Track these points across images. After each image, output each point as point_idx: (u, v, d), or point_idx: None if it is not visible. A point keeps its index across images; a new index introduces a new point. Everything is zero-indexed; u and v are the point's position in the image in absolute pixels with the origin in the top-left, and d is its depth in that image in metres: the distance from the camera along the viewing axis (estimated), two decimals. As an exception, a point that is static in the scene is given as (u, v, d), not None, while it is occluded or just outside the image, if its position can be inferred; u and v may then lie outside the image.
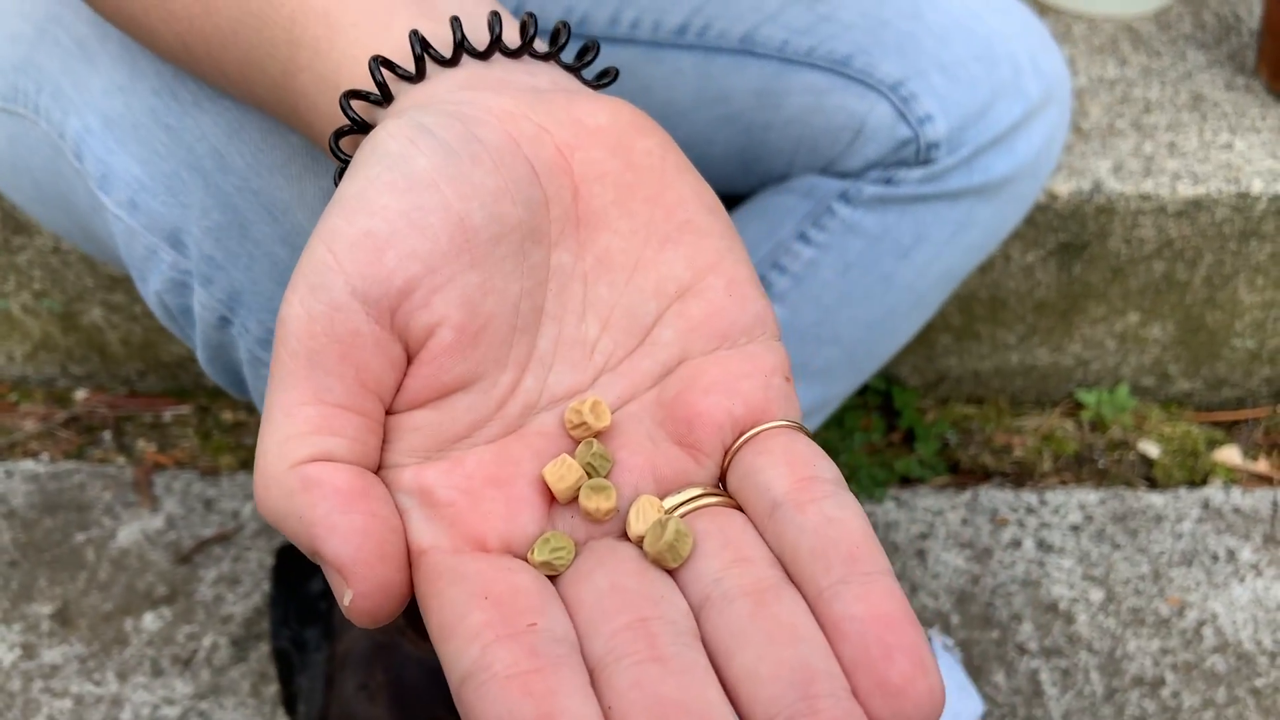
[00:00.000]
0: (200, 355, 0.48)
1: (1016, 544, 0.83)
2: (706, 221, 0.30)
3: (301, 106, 0.34)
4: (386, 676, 0.68)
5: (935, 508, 0.85)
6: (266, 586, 0.80)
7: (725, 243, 0.30)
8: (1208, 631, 0.77)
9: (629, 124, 0.30)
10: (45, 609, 0.79)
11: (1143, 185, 0.79)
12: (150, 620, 0.78)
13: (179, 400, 0.94)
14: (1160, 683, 0.75)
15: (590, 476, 0.28)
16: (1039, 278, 0.84)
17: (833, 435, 0.89)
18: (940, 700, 0.22)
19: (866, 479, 0.86)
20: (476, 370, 0.28)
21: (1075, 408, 0.92)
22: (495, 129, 0.29)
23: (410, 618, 0.71)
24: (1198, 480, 0.87)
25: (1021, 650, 0.76)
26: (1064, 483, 0.88)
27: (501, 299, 0.28)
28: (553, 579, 0.26)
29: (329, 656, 0.71)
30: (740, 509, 0.28)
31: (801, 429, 0.28)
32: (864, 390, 0.92)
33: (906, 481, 0.87)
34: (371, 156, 0.28)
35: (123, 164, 0.44)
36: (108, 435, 0.91)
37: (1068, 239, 0.81)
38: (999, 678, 0.75)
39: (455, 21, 0.31)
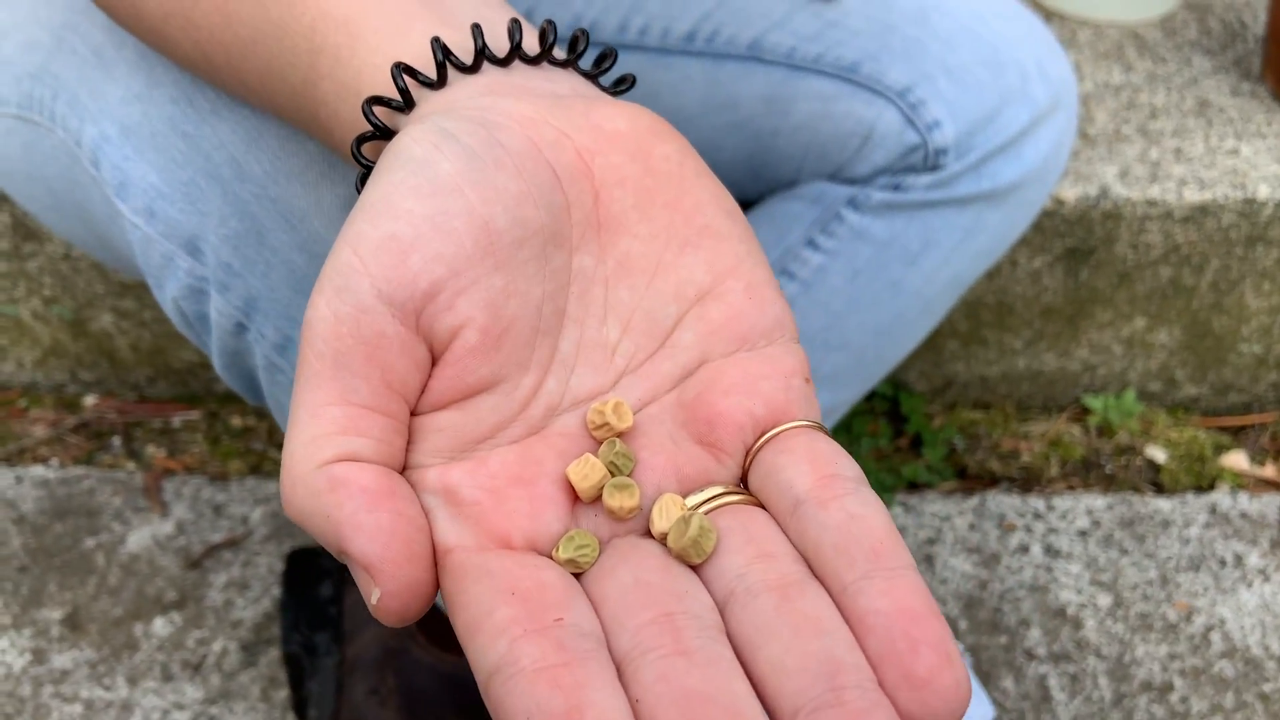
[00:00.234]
0: (216, 361, 0.48)
1: (1024, 549, 0.83)
2: (725, 226, 0.31)
3: (322, 114, 0.35)
4: (397, 681, 0.69)
5: (943, 513, 0.85)
6: (276, 591, 0.80)
7: (744, 246, 0.31)
8: (1215, 637, 0.77)
9: (648, 129, 0.31)
10: (55, 614, 0.79)
11: (1149, 191, 0.79)
12: (160, 625, 0.78)
13: (188, 406, 0.94)
14: (1168, 688, 0.75)
15: (613, 475, 0.28)
16: (1046, 283, 0.84)
17: (840, 440, 0.89)
18: (966, 693, 0.23)
19: (874, 484, 0.86)
20: (500, 372, 0.28)
21: (1082, 413, 0.92)
22: (517, 134, 0.29)
23: (420, 622, 0.71)
24: (1205, 485, 0.87)
25: (1030, 655, 0.77)
26: (1071, 488, 0.88)
27: (524, 302, 0.28)
28: (577, 576, 0.27)
29: (339, 661, 0.71)
30: (762, 507, 0.28)
31: (822, 429, 0.29)
32: (871, 396, 0.92)
33: (914, 487, 0.88)
34: (396, 161, 0.28)
35: (140, 172, 0.44)
36: (117, 441, 0.92)
37: (1074, 244, 0.82)
38: (1007, 683, 0.75)
39: (477, 29, 0.32)
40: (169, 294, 0.46)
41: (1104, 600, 0.79)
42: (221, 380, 0.94)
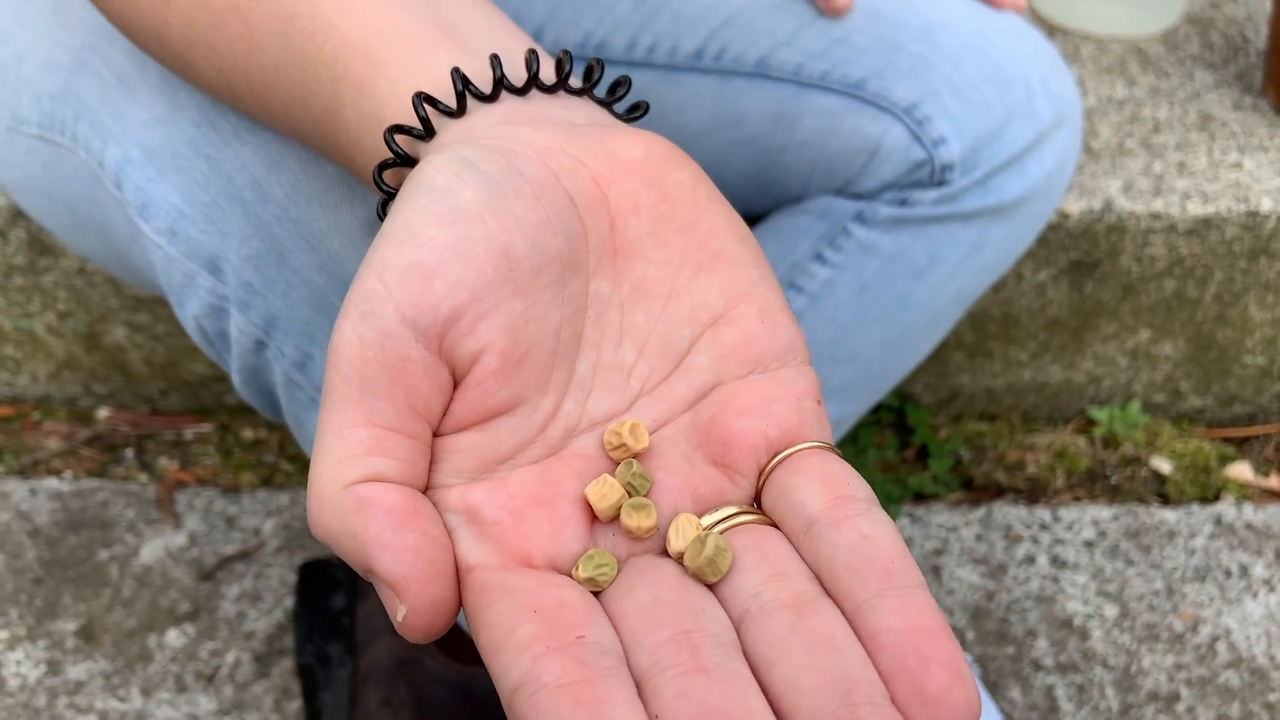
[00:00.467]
0: (236, 378, 0.49)
1: (1031, 560, 0.83)
2: (738, 251, 0.32)
3: (343, 140, 0.35)
4: (409, 692, 0.69)
5: (949, 524, 0.86)
6: (288, 603, 0.81)
7: (757, 271, 0.31)
8: (1221, 647, 0.78)
9: (662, 157, 0.32)
10: (70, 626, 0.80)
11: (1153, 204, 0.80)
12: (174, 636, 0.79)
13: (200, 418, 0.95)
14: (1175, 698, 0.75)
15: (631, 495, 0.29)
16: (1051, 296, 0.85)
17: (847, 452, 0.90)
18: (976, 710, 0.23)
19: (881, 496, 0.87)
20: (519, 395, 0.29)
21: (1087, 424, 0.93)
22: (536, 163, 0.30)
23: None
24: (1210, 496, 0.88)
25: (1037, 666, 0.77)
26: (1077, 499, 0.88)
27: (543, 326, 0.29)
28: (596, 595, 0.27)
29: (352, 672, 0.72)
30: (776, 526, 0.29)
31: (834, 449, 0.29)
32: (878, 407, 0.92)
33: (920, 498, 0.88)
34: (418, 190, 0.29)
35: (162, 193, 0.45)
36: (130, 453, 0.93)
37: (1079, 257, 0.82)
38: (1015, 693, 0.76)
39: (495, 59, 0.32)
40: (190, 312, 0.47)
41: (1110, 611, 0.80)
42: (233, 393, 0.95)
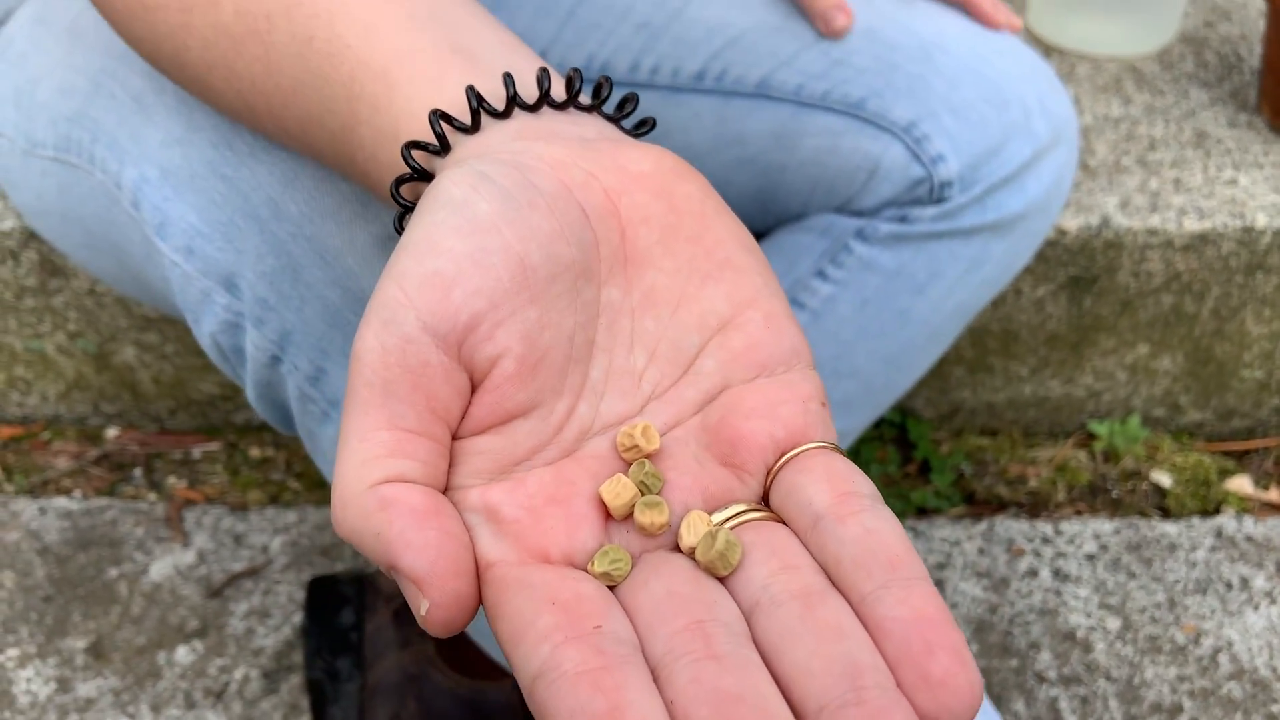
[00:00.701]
0: (250, 393, 0.50)
1: (1033, 573, 0.84)
2: (744, 260, 0.33)
3: (360, 157, 0.37)
4: (418, 706, 0.70)
5: (952, 538, 0.86)
6: (296, 619, 0.81)
7: (762, 279, 0.33)
8: (1223, 659, 0.78)
9: (670, 170, 0.33)
10: (79, 643, 0.80)
11: (1149, 220, 0.81)
12: (183, 653, 0.80)
13: (208, 437, 0.96)
14: (1178, 709, 0.76)
15: (643, 494, 0.30)
16: (1050, 311, 0.86)
17: (849, 467, 0.90)
18: (979, 693, 0.24)
19: (884, 510, 0.88)
20: (535, 398, 0.30)
21: (1088, 439, 0.93)
22: (549, 176, 0.31)
23: (440, 648, 0.72)
24: (1210, 510, 0.89)
25: (1040, 679, 0.78)
26: (1078, 513, 0.89)
27: (557, 332, 0.30)
28: (611, 589, 0.28)
29: (361, 687, 0.73)
30: (784, 523, 0.30)
31: (838, 449, 0.30)
32: (879, 422, 0.93)
33: (923, 512, 0.89)
34: (436, 203, 0.30)
35: (180, 212, 0.46)
36: (139, 472, 0.93)
37: (1077, 273, 0.83)
38: (1019, 706, 0.76)
39: (508, 77, 0.34)
40: (206, 329, 0.48)
41: (1113, 623, 0.81)
42: (241, 412, 0.96)
